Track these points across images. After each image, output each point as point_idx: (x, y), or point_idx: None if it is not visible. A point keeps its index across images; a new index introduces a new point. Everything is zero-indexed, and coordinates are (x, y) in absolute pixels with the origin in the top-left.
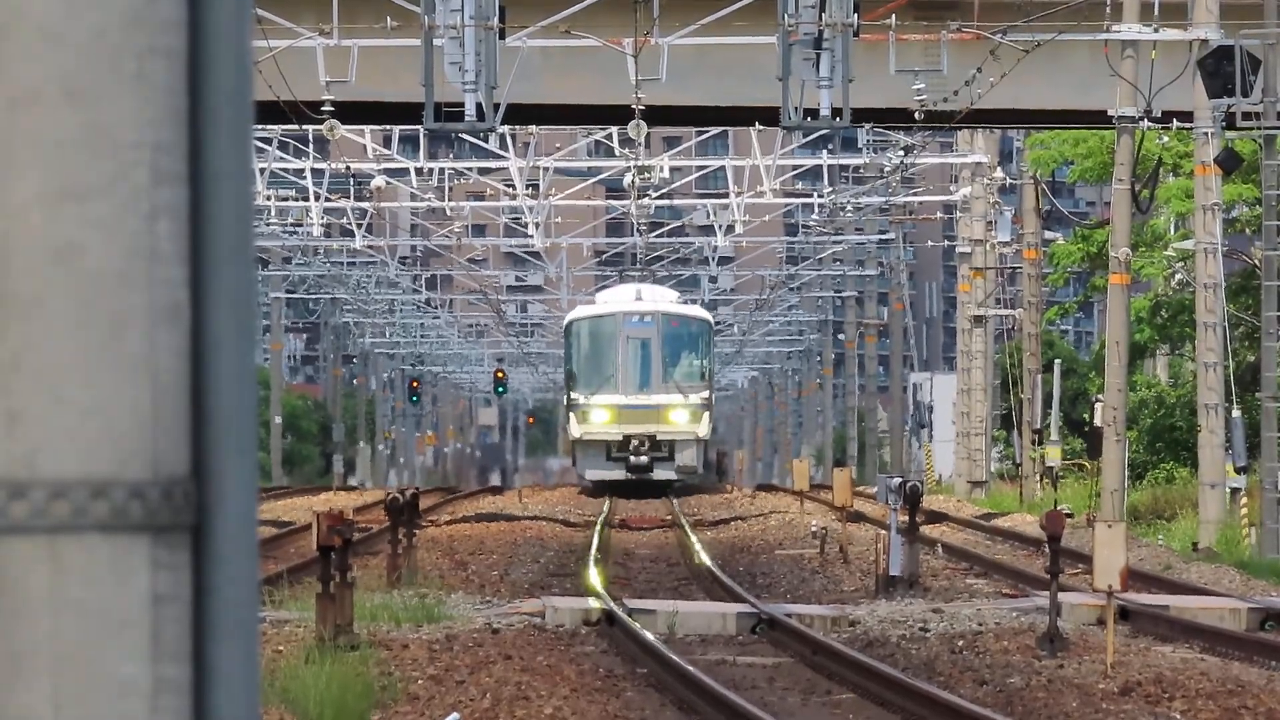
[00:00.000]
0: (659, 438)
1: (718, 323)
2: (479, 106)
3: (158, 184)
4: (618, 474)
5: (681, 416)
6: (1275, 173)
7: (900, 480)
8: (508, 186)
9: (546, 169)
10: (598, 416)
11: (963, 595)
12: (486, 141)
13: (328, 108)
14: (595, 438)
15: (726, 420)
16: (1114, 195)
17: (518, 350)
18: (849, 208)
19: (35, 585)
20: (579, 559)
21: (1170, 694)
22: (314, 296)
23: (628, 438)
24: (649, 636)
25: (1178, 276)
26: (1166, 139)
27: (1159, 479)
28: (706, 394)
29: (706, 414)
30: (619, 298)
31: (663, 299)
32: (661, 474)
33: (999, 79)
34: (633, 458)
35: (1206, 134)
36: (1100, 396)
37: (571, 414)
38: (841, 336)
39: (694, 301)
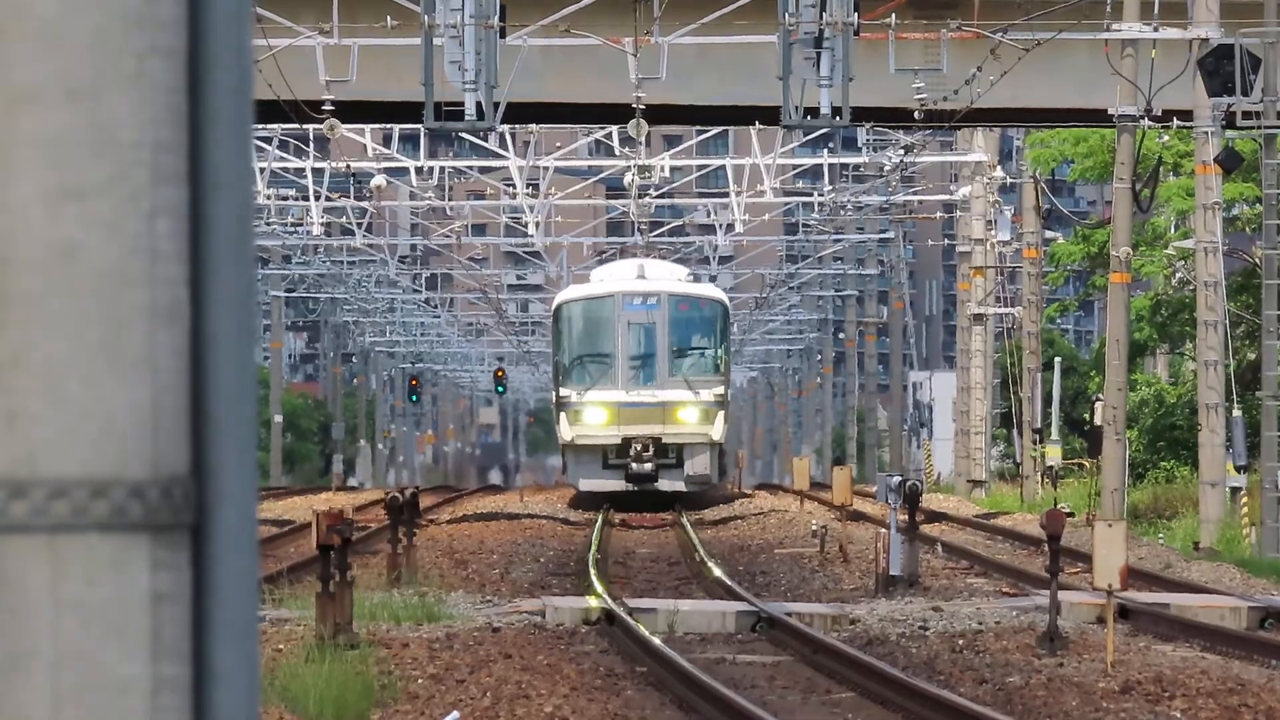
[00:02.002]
0: (665, 441)
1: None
2: (479, 105)
3: (158, 183)
4: (616, 484)
5: (692, 416)
6: (1275, 172)
7: (900, 479)
8: (508, 185)
9: (546, 168)
10: (593, 416)
11: (962, 594)
12: (486, 140)
13: (328, 107)
14: (590, 441)
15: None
16: (1114, 194)
17: (518, 349)
18: (849, 207)
19: (35, 584)
20: (579, 558)
21: (1170, 693)
22: (314, 295)
23: (628, 441)
24: (649, 635)
25: (1178, 275)
26: (1167, 138)
27: (1159, 478)
28: (721, 390)
29: (721, 413)
30: (618, 275)
31: (669, 277)
32: (668, 484)
33: (999, 78)
34: (634, 465)
35: (1207, 133)
36: (1100, 395)
37: (562, 413)
38: (841, 335)
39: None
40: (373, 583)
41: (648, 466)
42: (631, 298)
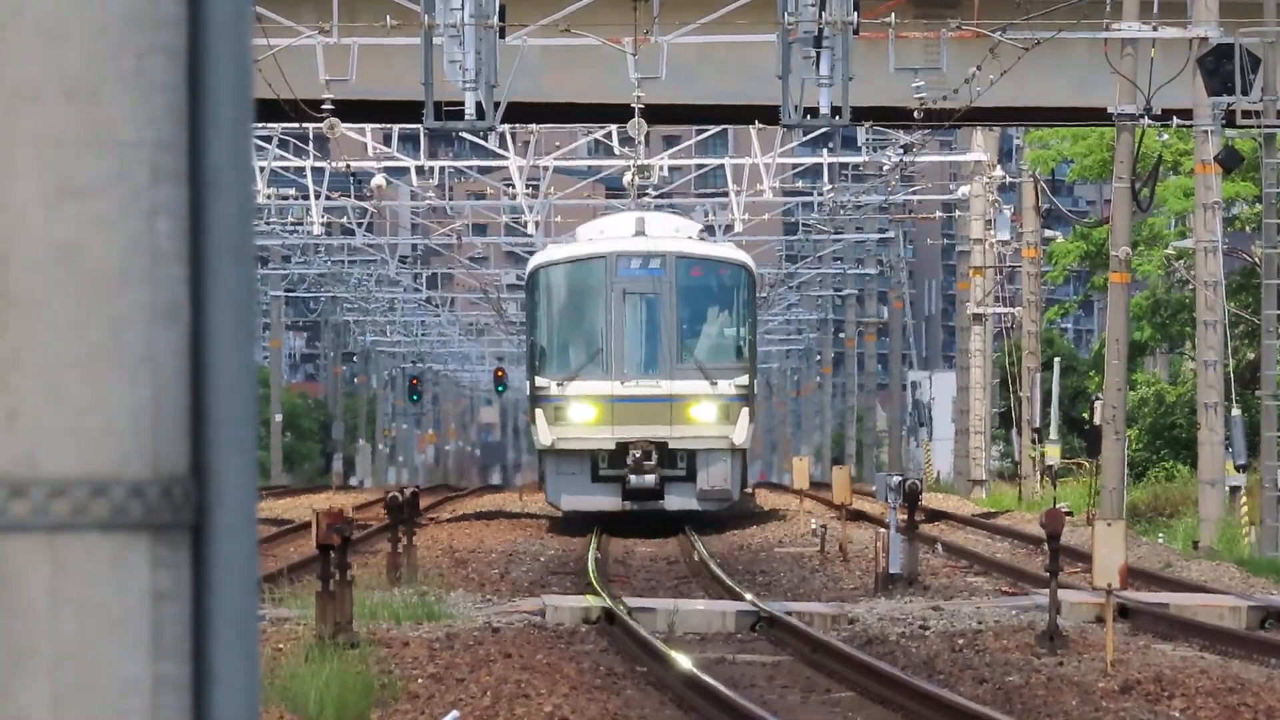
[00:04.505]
0: (673, 446)
1: None
2: (479, 105)
3: (157, 182)
4: (609, 502)
5: (707, 413)
6: (1275, 171)
7: (900, 478)
8: (507, 185)
9: (546, 168)
10: (578, 414)
11: (962, 593)
12: (486, 140)
13: (328, 106)
14: (575, 446)
15: None
16: (1114, 194)
17: (518, 349)
18: (848, 206)
19: (35, 584)
20: (579, 557)
21: (1170, 692)
22: (314, 295)
23: (624, 447)
24: (649, 635)
25: (1177, 275)
26: (1166, 137)
27: (1159, 477)
28: (745, 380)
29: (745, 410)
30: (611, 232)
31: (677, 234)
32: (677, 502)
33: (998, 77)
34: (632, 477)
35: (1206, 132)
36: (1100, 395)
37: (538, 411)
38: (841, 335)
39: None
40: (373, 582)
41: (650, 479)
42: (628, 260)
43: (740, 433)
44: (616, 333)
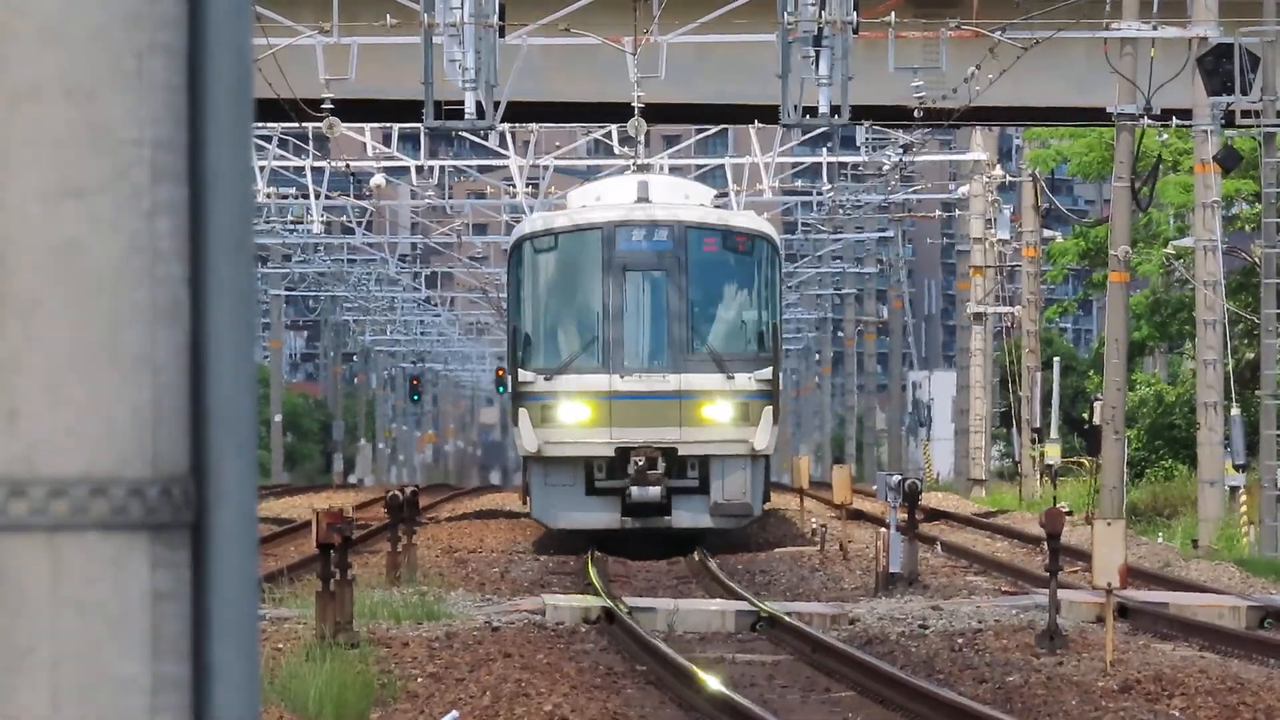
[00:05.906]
0: (683, 453)
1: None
2: (479, 104)
3: (157, 181)
4: (607, 518)
5: (723, 413)
6: (1274, 170)
7: (900, 477)
8: (508, 185)
9: (546, 167)
10: (570, 414)
11: (962, 593)
12: (486, 140)
13: (327, 105)
14: (565, 453)
15: None
16: (1113, 193)
17: None
18: (848, 205)
19: (35, 583)
20: (579, 557)
21: (1169, 691)
22: (314, 294)
23: (625, 453)
24: (648, 634)
25: (1176, 275)
26: (1166, 136)
27: (1158, 477)
28: (768, 372)
29: (769, 409)
30: (609, 198)
31: (688, 200)
32: (687, 518)
33: (998, 76)
34: (634, 489)
35: (1206, 131)
36: (1099, 394)
37: (522, 410)
38: (841, 334)
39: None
40: (373, 581)
41: (655, 492)
42: (630, 230)
43: (762, 436)
44: (615, 317)
